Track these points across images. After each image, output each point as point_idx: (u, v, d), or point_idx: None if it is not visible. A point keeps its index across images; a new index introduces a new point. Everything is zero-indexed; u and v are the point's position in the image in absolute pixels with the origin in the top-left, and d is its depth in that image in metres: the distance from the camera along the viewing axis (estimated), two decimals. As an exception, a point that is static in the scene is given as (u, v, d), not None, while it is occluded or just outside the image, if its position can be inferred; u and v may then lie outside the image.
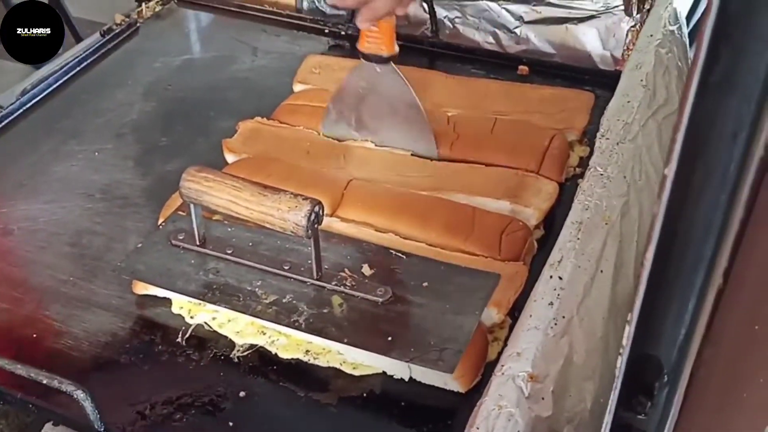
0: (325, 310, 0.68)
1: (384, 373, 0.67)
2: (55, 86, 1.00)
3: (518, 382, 0.55)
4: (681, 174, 0.36)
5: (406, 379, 0.66)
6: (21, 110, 0.96)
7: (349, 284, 0.69)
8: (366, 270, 0.71)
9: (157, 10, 1.16)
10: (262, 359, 0.69)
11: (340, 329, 0.67)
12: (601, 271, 0.65)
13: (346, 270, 0.70)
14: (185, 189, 0.69)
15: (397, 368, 0.66)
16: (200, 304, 0.71)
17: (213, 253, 0.72)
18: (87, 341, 0.70)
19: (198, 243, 0.73)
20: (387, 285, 0.69)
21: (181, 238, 0.73)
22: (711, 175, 0.37)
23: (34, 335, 0.71)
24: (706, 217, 0.38)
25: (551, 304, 0.60)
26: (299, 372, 0.67)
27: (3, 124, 0.94)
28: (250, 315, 0.69)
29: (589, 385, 0.59)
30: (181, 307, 0.73)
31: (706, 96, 0.35)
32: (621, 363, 0.42)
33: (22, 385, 0.62)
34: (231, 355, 0.69)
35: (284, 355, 0.69)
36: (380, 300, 0.68)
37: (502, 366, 0.57)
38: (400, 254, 0.73)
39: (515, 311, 0.68)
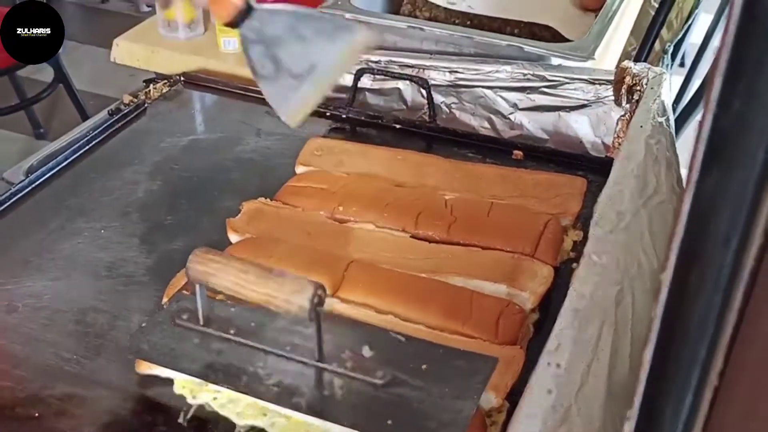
0: (326, 392, 0.69)
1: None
2: (63, 164, 1.03)
3: (519, 471, 0.56)
4: (677, 278, 0.38)
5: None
6: (29, 188, 0.98)
7: (349, 366, 0.70)
8: (366, 351, 0.72)
9: (164, 91, 1.20)
10: None
11: (340, 411, 0.68)
12: (598, 359, 0.66)
13: (346, 351, 0.72)
14: (192, 270, 0.71)
15: None
16: (203, 384, 0.72)
17: (216, 333, 0.74)
18: (88, 422, 0.71)
19: (201, 323, 0.74)
20: (387, 367, 0.70)
21: (185, 318, 0.75)
22: (705, 279, 0.39)
23: (36, 414, 0.71)
24: (700, 320, 0.40)
25: (550, 391, 0.61)
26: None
27: (11, 201, 0.96)
28: (253, 396, 0.69)
29: (587, 473, 0.60)
30: (183, 387, 0.73)
31: (700, 204, 0.37)
32: (621, 457, 0.44)
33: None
34: (235, 437, 0.69)
35: (285, 437, 0.69)
36: (380, 382, 0.69)
37: (503, 454, 0.57)
38: (400, 336, 0.74)
39: (513, 395, 0.69)
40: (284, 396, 0.69)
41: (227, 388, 0.70)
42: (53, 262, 0.88)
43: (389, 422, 0.66)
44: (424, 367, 0.71)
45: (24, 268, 0.87)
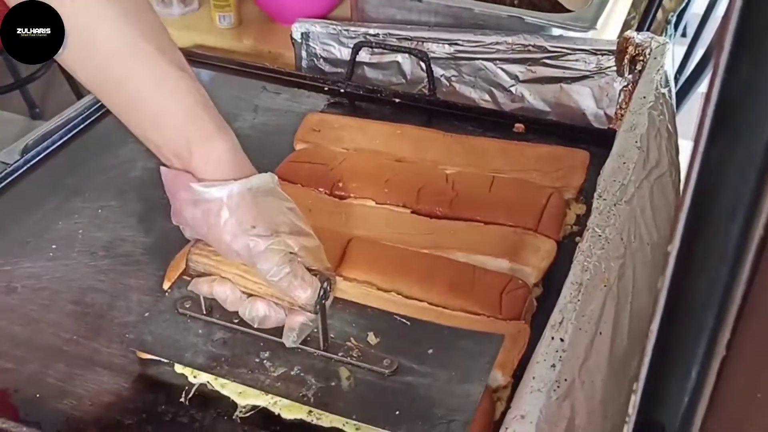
0: (332, 383, 0.69)
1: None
2: (58, 143, 1.02)
3: (523, 445, 0.55)
4: (683, 249, 0.38)
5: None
6: (25, 167, 0.97)
7: (355, 355, 0.70)
8: (371, 339, 0.72)
9: (159, 67, 1.18)
10: (265, 420, 0.69)
11: (347, 403, 0.67)
12: (600, 333, 0.65)
13: (352, 339, 0.71)
14: (193, 263, 0.69)
15: None
16: None
17: (220, 322, 0.73)
18: (90, 401, 0.70)
19: (204, 312, 0.73)
20: (392, 353, 0.70)
21: (187, 306, 0.74)
22: (711, 250, 0.38)
23: (37, 395, 0.71)
24: (707, 291, 0.39)
25: (553, 366, 0.61)
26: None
27: (7, 181, 0.95)
28: (259, 389, 0.69)
29: (591, 447, 0.60)
30: (185, 367, 0.73)
31: (707, 175, 0.36)
32: (627, 430, 0.43)
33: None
34: (234, 416, 0.69)
35: (287, 415, 0.69)
36: (386, 371, 0.69)
37: (506, 429, 0.57)
38: (404, 320, 0.73)
39: (518, 371, 0.69)
40: (291, 388, 0.68)
41: (233, 381, 0.70)
42: (51, 243, 0.87)
43: (397, 413, 0.66)
44: (430, 351, 0.71)
45: (21, 248, 0.86)
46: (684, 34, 2.25)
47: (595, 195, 0.78)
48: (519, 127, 1.06)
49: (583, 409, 0.60)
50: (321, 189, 0.92)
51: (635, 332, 0.69)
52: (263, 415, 0.69)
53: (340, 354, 0.70)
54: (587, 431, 0.61)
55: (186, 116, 0.64)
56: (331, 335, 0.71)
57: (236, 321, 0.72)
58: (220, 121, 0.66)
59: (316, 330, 0.69)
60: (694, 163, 0.35)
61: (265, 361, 0.70)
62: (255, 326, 0.69)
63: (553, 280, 0.81)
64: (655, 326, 0.39)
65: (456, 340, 0.71)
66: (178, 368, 0.73)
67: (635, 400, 0.42)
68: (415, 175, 0.93)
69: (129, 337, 0.74)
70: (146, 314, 0.75)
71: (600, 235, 0.72)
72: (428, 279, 0.78)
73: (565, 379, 0.60)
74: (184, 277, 0.73)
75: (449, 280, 0.78)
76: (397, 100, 1.12)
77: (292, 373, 0.69)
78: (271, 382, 0.69)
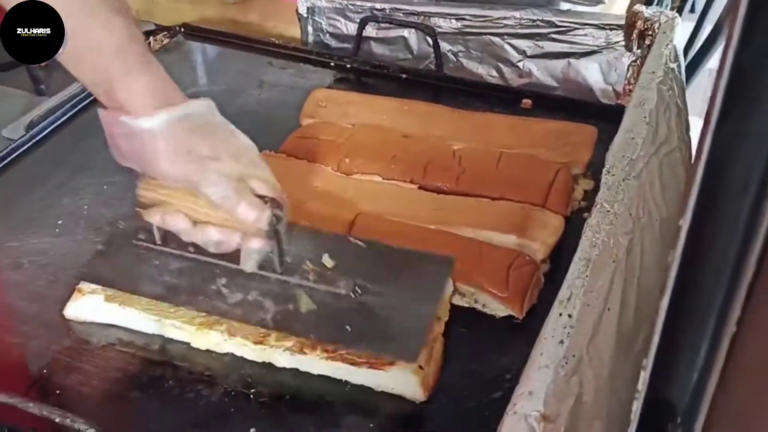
0: (290, 306, 0.70)
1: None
2: (63, 119, 1.01)
3: (530, 422, 0.55)
4: (695, 224, 0.37)
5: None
6: (30, 143, 0.97)
7: (312, 278, 0.71)
8: (327, 261, 0.73)
9: (164, 42, 1.17)
10: (272, 396, 0.69)
11: (305, 324, 0.69)
12: (608, 309, 0.65)
13: (308, 263, 0.72)
14: (142, 198, 0.70)
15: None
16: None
17: (175, 251, 0.73)
18: (97, 378, 0.70)
19: (159, 242, 0.73)
20: (349, 275, 0.71)
21: (142, 237, 0.74)
22: (722, 225, 0.38)
23: (45, 371, 0.71)
24: (717, 267, 0.39)
25: (561, 342, 0.60)
26: (310, 409, 0.68)
27: (12, 157, 0.95)
28: (217, 315, 0.70)
29: (597, 424, 0.59)
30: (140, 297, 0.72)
31: (718, 149, 0.36)
32: (637, 407, 0.43)
33: (33, 423, 0.63)
34: (243, 391, 0.69)
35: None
36: (343, 292, 0.70)
37: (515, 405, 0.57)
38: (359, 242, 0.75)
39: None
40: (249, 313, 0.70)
41: (190, 309, 0.71)
42: (56, 219, 0.87)
43: (354, 331, 0.67)
44: (385, 272, 0.72)
45: (27, 224, 0.86)
46: (692, 10, 2.22)
47: (604, 170, 0.77)
48: (526, 102, 1.05)
49: (590, 385, 0.60)
50: (328, 165, 0.92)
51: (642, 308, 0.68)
52: (271, 390, 0.69)
53: (296, 277, 0.71)
54: (594, 407, 0.60)
55: (112, 53, 0.65)
56: (288, 260, 0.71)
57: (191, 250, 0.72)
58: (144, 57, 0.67)
59: (272, 254, 0.70)
60: (705, 137, 0.34)
61: (222, 288, 0.71)
62: (210, 251, 0.70)
63: (560, 256, 0.80)
64: (665, 302, 0.39)
65: (410, 262, 0.73)
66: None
67: (645, 376, 0.41)
68: (422, 151, 0.92)
69: (84, 271, 0.74)
70: (99, 248, 0.75)
71: (609, 211, 0.71)
72: (435, 255, 0.78)
73: (573, 355, 0.60)
74: (137, 210, 0.72)
75: (456, 255, 0.77)
76: (403, 76, 1.11)
77: (250, 298, 0.70)
78: (229, 309, 0.70)
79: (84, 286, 0.74)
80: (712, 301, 0.40)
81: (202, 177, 0.66)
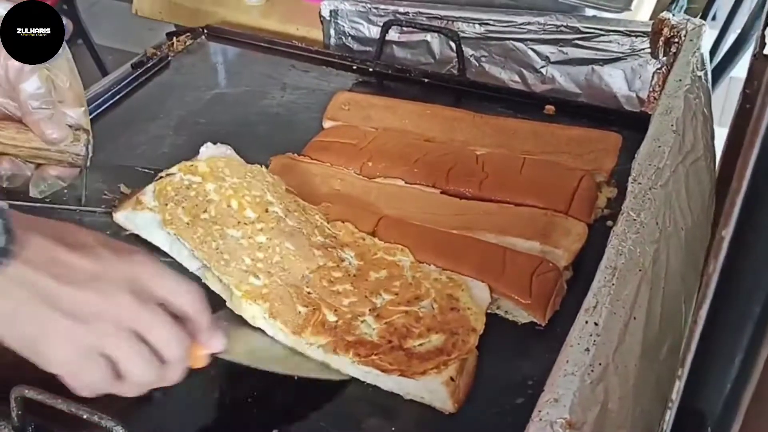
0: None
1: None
2: (88, 118, 1.02)
3: (556, 429, 0.55)
4: (737, 234, 0.37)
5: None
6: (55, 142, 0.98)
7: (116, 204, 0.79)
8: (124, 188, 0.83)
9: (187, 44, 1.18)
10: (297, 396, 0.69)
11: None
12: (634, 318, 0.65)
13: (106, 192, 0.81)
14: None
15: None
16: None
17: None
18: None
19: None
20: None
21: None
22: (763, 236, 0.38)
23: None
24: (757, 277, 0.39)
25: (587, 350, 0.60)
26: (333, 412, 0.68)
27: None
28: None
29: (623, 432, 0.59)
30: None
31: (765, 160, 0.36)
32: (670, 416, 0.43)
33: (60, 420, 0.63)
34: (266, 390, 0.69)
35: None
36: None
37: (540, 412, 0.57)
38: (146, 170, 0.87)
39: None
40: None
41: None
42: (81, 217, 0.88)
43: None
44: None
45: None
46: (714, 18, 2.21)
47: (630, 178, 0.77)
48: (549, 108, 1.05)
49: (616, 393, 0.60)
50: (350, 168, 0.92)
51: (667, 317, 0.68)
52: (296, 392, 0.69)
53: (103, 207, 0.77)
54: (619, 415, 0.60)
55: None
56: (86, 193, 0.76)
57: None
58: None
59: (67, 190, 0.75)
60: (753, 145, 0.34)
61: None
62: (3, 185, 0.70)
63: (583, 263, 0.80)
64: (704, 312, 0.38)
65: None
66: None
67: (679, 386, 0.41)
68: (444, 156, 0.92)
69: None
70: None
71: (635, 219, 0.71)
72: (458, 259, 0.78)
73: (600, 363, 0.59)
74: None
75: (479, 260, 0.77)
76: (426, 80, 1.11)
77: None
78: None
79: (145, 198, 0.77)
80: (750, 310, 0.39)
81: (22, 73, 0.65)
